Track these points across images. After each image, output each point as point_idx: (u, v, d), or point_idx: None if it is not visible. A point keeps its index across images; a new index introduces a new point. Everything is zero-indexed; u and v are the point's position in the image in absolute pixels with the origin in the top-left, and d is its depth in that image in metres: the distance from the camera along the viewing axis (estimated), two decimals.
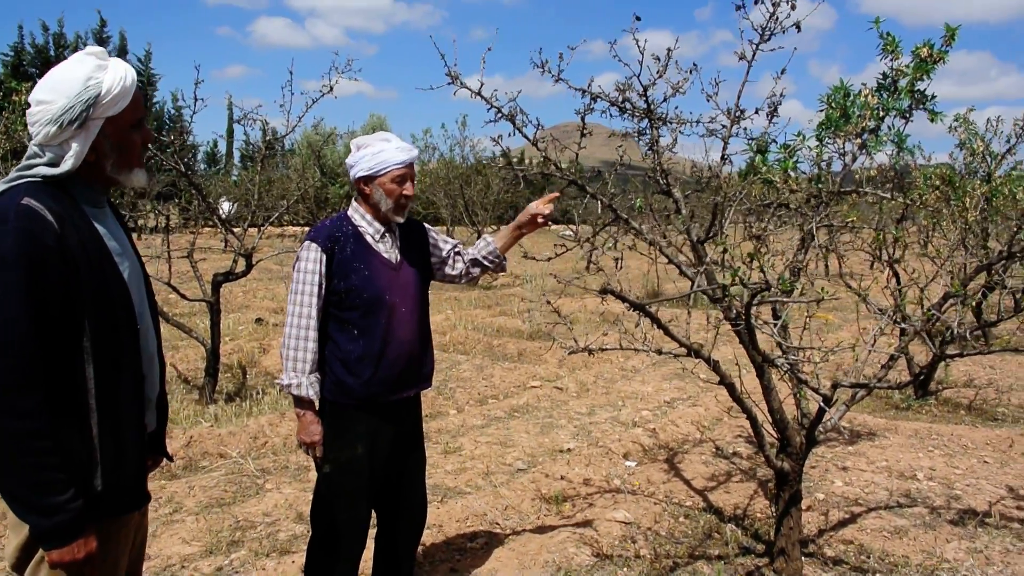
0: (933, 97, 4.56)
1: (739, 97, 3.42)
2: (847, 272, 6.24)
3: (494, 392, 7.32)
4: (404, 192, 2.86)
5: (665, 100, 3.68)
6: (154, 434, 2.19)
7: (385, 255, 2.88)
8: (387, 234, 2.92)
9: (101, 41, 32.54)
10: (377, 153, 2.82)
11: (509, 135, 3.21)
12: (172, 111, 35.01)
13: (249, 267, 6.29)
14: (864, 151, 4.29)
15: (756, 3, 3.20)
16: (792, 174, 4.20)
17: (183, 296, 6.50)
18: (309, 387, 2.77)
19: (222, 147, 41.93)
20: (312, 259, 2.75)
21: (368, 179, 2.83)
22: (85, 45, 31.77)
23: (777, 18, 3.25)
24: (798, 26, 3.24)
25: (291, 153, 30.26)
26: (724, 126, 3.49)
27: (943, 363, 8.55)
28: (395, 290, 2.87)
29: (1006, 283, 5.42)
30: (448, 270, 3.17)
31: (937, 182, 7.15)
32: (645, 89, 3.59)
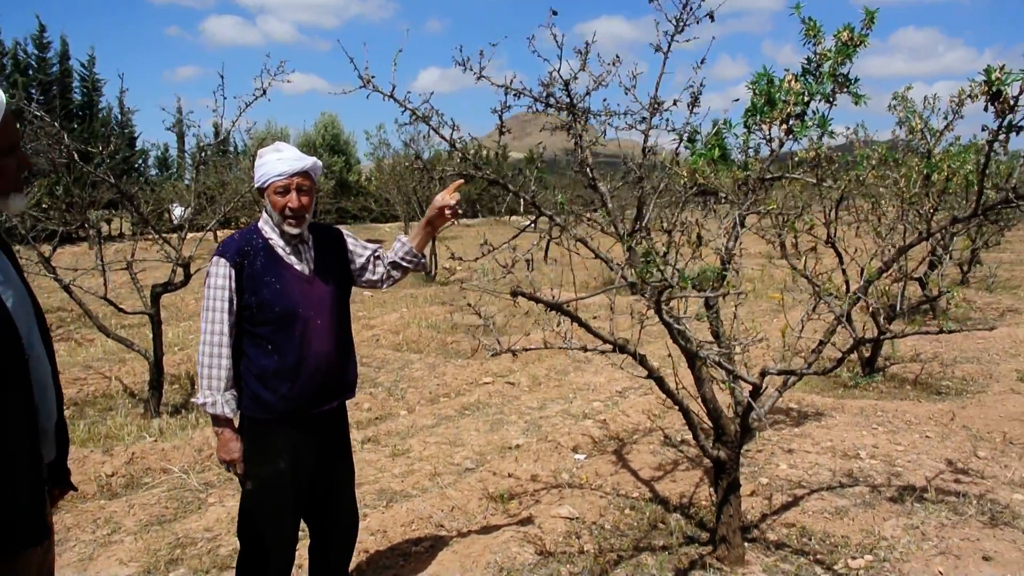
0: (856, 80, 4.59)
1: (656, 88, 3.41)
2: (792, 253, 6.28)
3: (446, 390, 7.28)
4: (288, 204, 2.78)
5: (588, 94, 3.67)
6: (54, 464, 2.12)
7: (297, 267, 2.83)
8: (299, 245, 2.86)
9: (41, 46, 31.75)
10: (262, 165, 2.80)
11: (424, 136, 3.17)
12: (119, 116, 34.33)
13: (187, 277, 6.17)
14: (790, 136, 4.31)
15: None
16: (717, 162, 4.21)
17: (120, 309, 6.35)
18: (225, 404, 2.72)
19: (174, 150, 41.23)
20: (221, 275, 2.69)
21: (260, 191, 2.81)
22: (24, 52, 30.79)
23: (691, 8, 3.24)
24: (711, 16, 3.23)
25: (243, 155, 29.89)
26: (644, 119, 3.48)
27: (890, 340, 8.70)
28: (309, 303, 2.82)
29: (950, 256, 5.48)
30: (369, 276, 3.12)
31: (874, 162, 7.24)
32: (566, 84, 3.57)
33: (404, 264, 3.15)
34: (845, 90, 4.54)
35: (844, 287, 7.32)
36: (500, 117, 3.30)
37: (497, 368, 7.95)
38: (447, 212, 3.06)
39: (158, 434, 5.93)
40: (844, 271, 7.19)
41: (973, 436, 5.62)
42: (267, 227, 2.83)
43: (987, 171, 3.27)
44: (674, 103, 3.43)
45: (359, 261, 3.09)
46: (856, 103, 4.65)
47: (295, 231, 2.81)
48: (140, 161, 33.81)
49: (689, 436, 5.77)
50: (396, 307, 11.91)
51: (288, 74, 6.41)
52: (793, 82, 4.30)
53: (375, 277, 3.13)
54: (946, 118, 10.81)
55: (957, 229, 9.07)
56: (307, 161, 2.84)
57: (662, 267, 2.54)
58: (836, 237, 7.17)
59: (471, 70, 3.49)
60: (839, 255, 7.19)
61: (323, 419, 2.94)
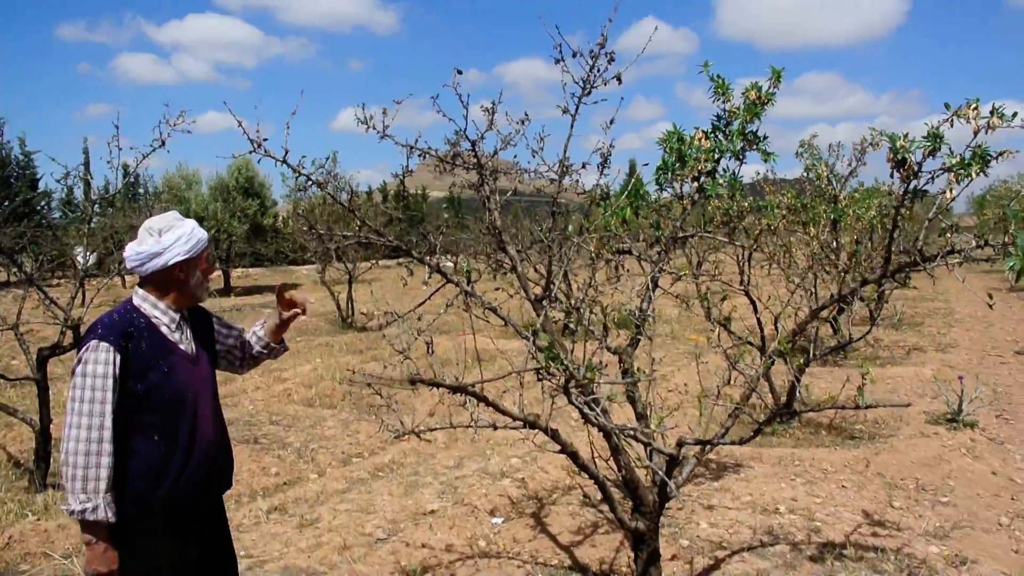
0: (765, 138, 4.61)
1: (565, 151, 3.31)
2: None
3: (359, 449, 6.99)
4: (212, 269, 2.73)
5: (495, 153, 3.55)
6: None
7: (183, 347, 2.60)
8: (182, 323, 2.64)
9: None
10: (191, 233, 2.58)
11: (328, 195, 2.99)
12: (20, 156, 32.83)
13: (76, 340, 5.75)
14: (702, 194, 4.27)
15: (574, 56, 3.10)
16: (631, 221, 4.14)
17: (2, 377, 5.87)
18: (107, 508, 2.40)
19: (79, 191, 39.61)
20: (103, 361, 2.39)
21: (187, 262, 2.58)
22: None
23: (598, 70, 3.16)
24: (619, 78, 3.16)
25: (156, 197, 28.90)
26: (552, 181, 3.38)
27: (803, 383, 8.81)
28: (196, 384, 2.59)
29: (860, 299, 5.57)
30: (232, 359, 2.95)
31: (784, 211, 7.34)
32: (473, 143, 3.44)
33: (264, 355, 3.00)
34: (754, 147, 4.54)
35: (758, 334, 7.38)
36: (402, 181, 3.15)
37: (415, 422, 7.69)
38: (298, 316, 2.94)
39: (42, 511, 5.46)
40: (759, 320, 7.24)
41: (888, 484, 5.65)
42: (147, 305, 2.57)
43: (895, 235, 3.26)
44: (583, 166, 3.33)
45: (225, 343, 2.90)
46: (765, 160, 4.65)
47: (205, 297, 2.70)
48: (43, 204, 32.32)
49: (611, 486, 5.64)
50: (310, 357, 11.52)
51: (189, 121, 6.13)
52: (703, 139, 4.28)
53: (235, 364, 2.97)
54: (850, 165, 11.17)
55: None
56: None
57: (565, 360, 2.40)
58: (749, 284, 7.24)
59: (375, 129, 3.34)
60: (752, 302, 7.25)
61: (207, 512, 2.68)
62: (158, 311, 2.58)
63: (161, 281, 2.58)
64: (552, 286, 3.44)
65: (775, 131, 4.75)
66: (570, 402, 2.64)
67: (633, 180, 4.16)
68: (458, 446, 7.07)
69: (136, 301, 2.59)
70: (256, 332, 2.98)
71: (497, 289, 3.52)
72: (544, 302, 3.43)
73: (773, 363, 3.63)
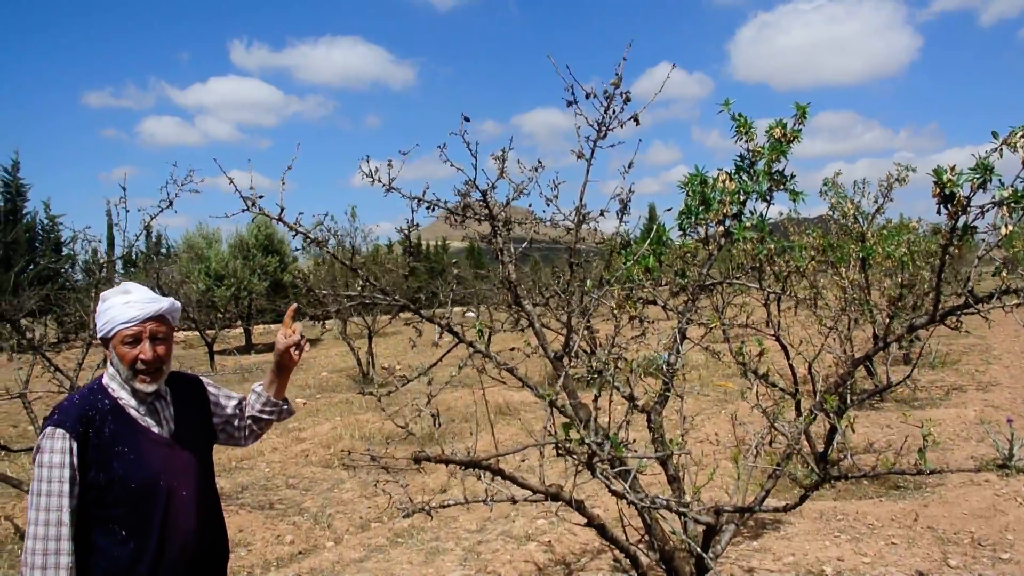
0: (792, 177, 4.39)
1: (580, 198, 3.11)
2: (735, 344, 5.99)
3: (377, 513, 6.70)
4: (140, 355, 2.31)
5: (508, 203, 3.35)
6: None
7: (156, 430, 2.34)
8: (156, 402, 2.39)
9: None
10: (106, 311, 2.33)
11: (326, 257, 2.80)
12: (44, 220, 33.32)
13: None
14: (727, 238, 4.04)
15: (587, 98, 2.92)
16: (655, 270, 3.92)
17: (4, 448, 5.68)
18: None
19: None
20: (59, 449, 2.16)
21: (105, 342, 2.35)
22: None
23: (613, 112, 2.97)
24: (636, 119, 2.96)
25: (171, 259, 29.10)
26: (569, 230, 3.17)
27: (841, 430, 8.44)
28: (171, 472, 2.32)
29: (899, 342, 5.28)
30: (233, 432, 2.67)
31: (812, 252, 7.07)
32: (484, 194, 3.25)
33: (265, 417, 2.69)
34: (782, 187, 4.32)
35: (791, 380, 7.06)
36: (407, 235, 2.95)
37: (434, 484, 7.41)
38: (293, 353, 2.65)
39: None
40: (791, 365, 6.93)
41: (940, 539, 5.28)
42: (114, 384, 2.33)
43: (943, 275, 3.01)
44: (601, 213, 3.12)
45: (224, 414, 2.63)
46: (794, 200, 4.42)
47: (149, 388, 2.32)
48: (67, 266, 32.68)
49: (641, 556, 5.31)
50: (330, 415, 11.29)
51: (198, 181, 6.02)
52: (728, 181, 4.07)
53: (239, 434, 2.69)
54: (876, 201, 10.88)
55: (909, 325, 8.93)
56: (162, 303, 2.38)
57: (587, 437, 2.16)
58: (779, 328, 6.95)
59: (379, 182, 3.16)
60: (784, 347, 6.94)
61: None
62: (124, 391, 2.33)
63: (114, 357, 2.36)
64: (572, 342, 3.21)
65: (792, 170, 4.52)
66: (594, 476, 2.38)
67: (656, 226, 3.95)
68: (480, 507, 6.76)
69: (105, 380, 2.36)
70: (255, 389, 2.72)
71: (513, 349, 3.29)
72: (564, 359, 3.19)
73: (815, 419, 3.36)
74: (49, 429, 2.18)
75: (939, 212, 2.72)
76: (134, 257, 6.18)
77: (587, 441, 2.14)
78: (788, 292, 6.40)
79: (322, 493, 7.28)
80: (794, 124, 4.29)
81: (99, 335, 2.33)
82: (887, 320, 4.42)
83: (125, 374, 2.31)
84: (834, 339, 8.22)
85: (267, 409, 2.69)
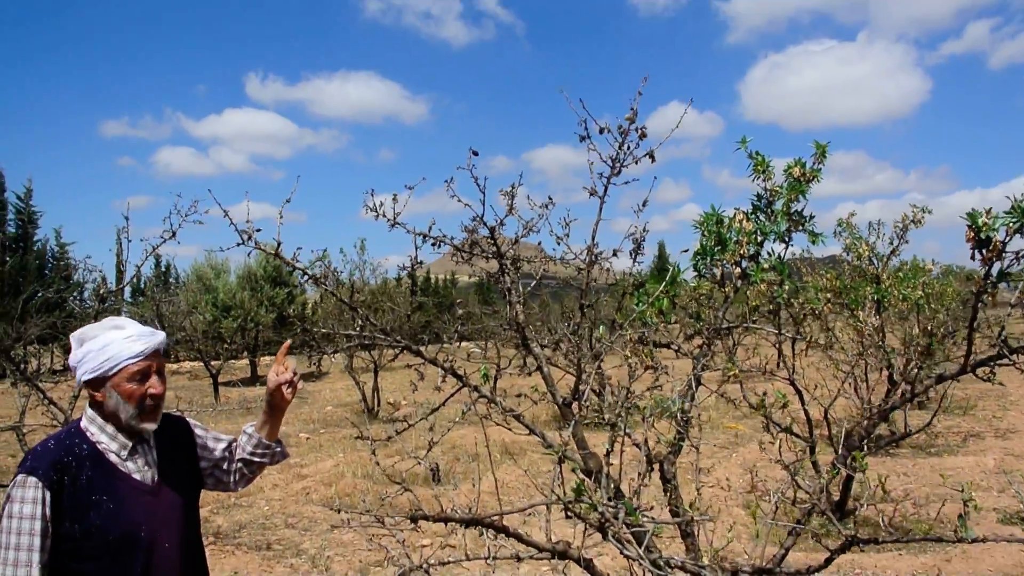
0: (811, 217, 4.25)
1: (593, 236, 2.97)
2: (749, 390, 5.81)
3: (378, 558, 6.49)
4: (150, 391, 2.18)
5: (516, 241, 3.22)
6: None
7: (138, 476, 2.17)
8: (138, 446, 2.23)
9: None
10: (104, 348, 2.15)
11: (322, 294, 2.66)
12: (55, 248, 33.44)
13: None
14: (744, 280, 3.90)
15: (601, 132, 2.79)
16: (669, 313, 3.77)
17: None
18: None
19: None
20: (29, 499, 1.99)
21: (98, 382, 2.16)
22: None
23: (628, 148, 2.84)
24: (652, 155, 2.83)
25: (182, 287, 29.10)
26: (580, 269, 3.03)
27: (857, 475, 8.20)
28: (154, 521, 2.16)
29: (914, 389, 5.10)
30: (221, 476, 2.49)
31: (828, 295, 6.90)
32: (492, 231, 3.11)
33: (256, 460, 2.52)
34: (800, 228, 4.18)
35: (807, 427, 6.85)
36: (411, 274, 2.81)
37: (439, 528, 7.19)
38: (286, 391, 2.50)
39: None
40: (806, 411, 6.73)
41: None
42: (93, 427, 2.17)
43: (976, 324, 2.84)
44: (614, 253, 2.98)
45: (212, 457, 2.46)
46: (813, 242, 4.28)
47: (153, 427, 2.19)
48: (75, 295, 32.76)
49: None
50: (333, 452, 11.08)
51: (202, 213, 5.92)
52: (745, 221, 3.93)
53: (228, 478, 2.50)
54: (892, 243, 10.72)
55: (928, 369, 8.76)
56: (161, 336, 2.25)
57: (598, 502, 1.99)
58: (793, 372, 6.76)
59: (384, 216, 3.04)
60: (798, 392, 6.75)
61: None
62: (105, 436, 2.16)
63: (92, 401, 2.19)
64: (582, 389, 3.05)
65: (811, 211, 4.38)
66: (605, 539, 2.21)
67: (671, 268, 3.81)
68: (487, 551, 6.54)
69: (83, 423, 2.19)
70: (246, 431, 2.55)
71: (519, 396, 3.13)
72: (574, 405, 3.03)
73: (838, 473, 3.18)
74: (20, 477, 2.02)
75: (973, 257, 2.56)
76: (142, 286, 6.06)
77: (600, 508, 1.97)
78: (807, 336, 6.22)
79: (322, 534, 7.07)
80: (813, 163, 4.17)
81: (93, 375, 2.13)
82: (904, 365, 4.25)
83: (131, 414, 2.15)
84: (849, 384, 8.01)
85: (259, 451, 2.53)
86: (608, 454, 2.43)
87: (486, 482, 8.57)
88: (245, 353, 24.82)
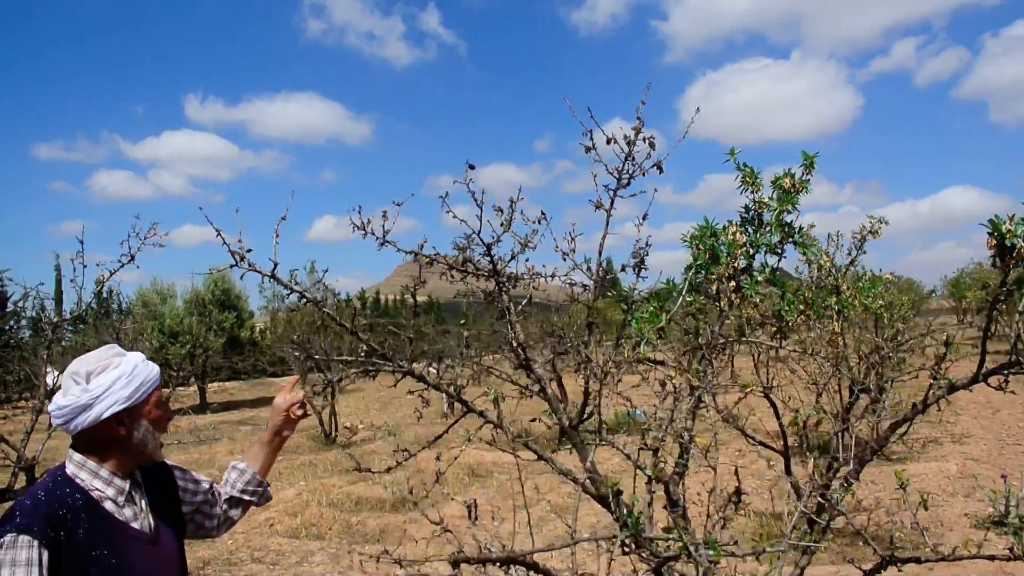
0: (800, 229, 4.23)
1: (600, 251, 2.86)
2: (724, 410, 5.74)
3: None
4: (168, 414, 2.06)
5: (513, 257, 3.09)
6: None
7: (136, 524, 1.96)
8: (133, 490, 2.01)
9: None
10: (134, 373, 1.96)
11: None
12: None
13: (31, 481, 5.09)
14: (738, 294, 3.83)
15: (609, 143, 2.69)
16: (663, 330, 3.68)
17: None
18: None
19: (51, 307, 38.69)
20: (23, 561, 1.73)
21: (129, 413, 1.95)
22: None
23: (634, 158, 2.74)
24: (660, 167, 2.74)
25: (126, 314, 28.20)
26: (586, 287, 2.91)
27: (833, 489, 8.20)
28: (156, 572, 1.95)
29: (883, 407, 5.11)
30: (202, 520, 2.27)
31: (802, 306, 6.91)
32: (488, 247, 2.98)
33: (245, 498, 2.33)
34: (791, 239, 4.15)
35: (780, 438, 6.83)
36: (413, 296, 2.66)
37: (412, 554, 6.96)
38: (297, 412, 2.34)
39: None
40: (781, 425, 6.71)
41: None
42: (83, 473, 1.93)
43: (990, 333, 2.80)
44: (623, 268, 2.87)
45: (193, 501, 2.24)
46: (803, 253, 4.26)
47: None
48: (12, 323, 31.48)
49: None
50: (293, 479, 10.75)
51: (162, 235, 5.66)
52: (738, 233, 3.87)
53: (211, 523, 2.29)
54: (850, 253, 10.89)
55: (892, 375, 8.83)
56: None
57: (687, 541, 1.85)
58: (770, 386, 6.74)
59: (372, 234, 2.88)
60: (774, 405, 6.73)
61: None
62: (99, 481, 1.93)
63: (98, 441, 1.94)
64: (588, 407, 2.93)
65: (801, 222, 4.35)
66: (659, 574, 2.07)
67: (668, 284, 3.73)
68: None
69: (70, 470, 1.94)
70: (236, 466, 2.36)
71: (534, 420, 2.99)
72: (579, 428, 2.91)
73: (851, 487, 3.11)
74: (9, 537, 1.74)
75: (994, 264, 2.52)
76: (83, 314, 5.78)
77: (685, 542, 1.83)
78: (806, 350, 6.21)
79: (291, 567, 6.79)
80: (802, 174, 4.14)
81: (126, 404, 1.92)
82: (864, 374, 4.28)
83: (153, 444, 2.00)
84: (815, 393, 8.07)
85: (250, 489, 2.33)
86: (651, 480, 2.30)
87: (451, 507, 8.38)
88: (193, 380, 24.12)
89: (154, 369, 2.01)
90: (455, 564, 1.89)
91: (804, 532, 3.58)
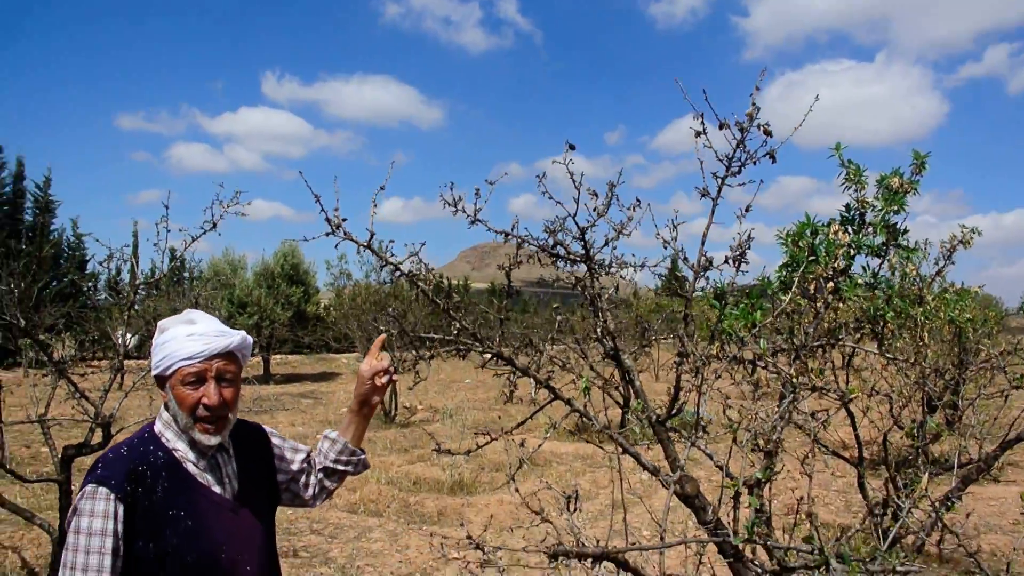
0: (906, 231, 4.02)
1: (703, 243, 2.73)
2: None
3: (410, 568, 6.24)
4: (203, 400, 1.92)
5: (607, 243, 2.98)
6: None
7: (216, 490, 1.93)
8: (219, 455, 1.98)
9: None
10: (164, 344, 1.94)
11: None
12: (71, 237, 33.37)
13: (107, 438, 5.20)
14: (836, 296, 3.65)
15: (721, 128, 2.56)
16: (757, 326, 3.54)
17: (19, 478, 5.28)
18: None
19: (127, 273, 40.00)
20: (100, 514, 1.73)
21: (160, 381, 1.95)
22: None
23: (745, 145, 2.60)
24: (772, 156, 2.60)
25: (200, 281, 28.96)
26: (687, 279, 2.79)
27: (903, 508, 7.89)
28: (235, 542, 1.91)
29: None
30: (299, 490, 2.24)
31: (891, 313, 6.64)
32: (583, 231, 2.88)
33: (340, 468, 2.27)
34: (895, 243, 3.94)
35: (856, 451, 6.58)
36: (508, 275, 2.58)
37: (490, 540, 6.94)
38: (382, 380, 2.26)
39: None
40: (857, 436, 6.46)
41: None
42: (169, 432, 1.92)
43: None
44: (726, 261, 2.74)
45: (290, 470, 2.20)
46: (907, 258, 4.05)
47: (212, 440, 1.92)
48: (89, 285, 32.61)
49: None
50: None
51: (244, 204, 5.71)
52: (840, 233, 3.69)
53: (307, 494, 2.25)
54: (937, 264, 10.45)
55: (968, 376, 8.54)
56: (232, 338, 1.99)
57: (824, 549, 1.74)
58: (848, 396, 6.49)
59: (464, 212, 2.81)
60: (851, 416, 6.49)
61: None
62: (182, 442, 1.92)
63: (171, 399, 1.95)
64: (677, 402, 2.82)
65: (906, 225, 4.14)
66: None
67: (762, 281, 3.58)
68: (523, 569, 6.28)
69: (158, 427, 1.94)
70: (328, 436, 2.31)
71: (626, 411, 2.88)
72: (668, 423, 2.80)
73: (953, 506, 2.94)
74: (90, 487, 1.76)
75: None
76: (159, 279, 5.84)
77: (827, 554, 1.72)
78: (908, 359, 5.97)
79: (349, 542, 6.82)
80: (912, 174, 3.93)
81: (154, 372, 1.93)
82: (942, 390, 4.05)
83: (184, 422, 1.91)
84: (889, 405, 7.76)
85: (343, 459, 2.28)
86: (760, 484, 2.18)
87: (508, 494, 8.32)
88: (259, 351, 24.61)
89: (192, 346, 1.92)
90: (554, 556, 1.80)
91: (899, 551, 3.40)
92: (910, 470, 6.41)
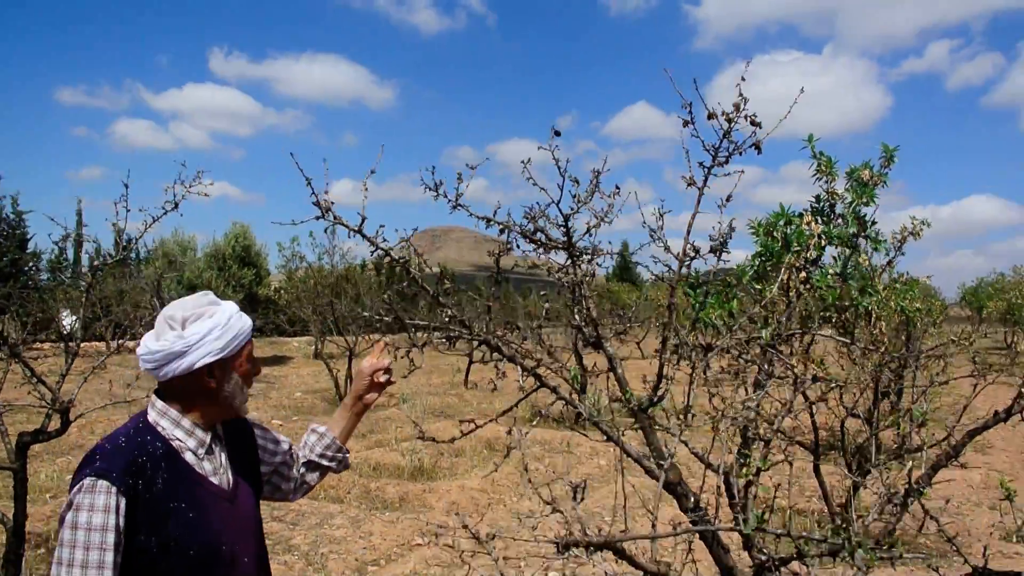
0: (874, 223, 4.11)
1: (688, 232, 2.75)
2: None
3: (374, 555, 6.22)
4: (257, 368, 2.01)
5: (588, 231, 2.99)
6: None
7: (214, 479, 1.90)
8: (215, 445, 1.95)
9: None
10: (229, 323, 1.88)
11: (404, 284, 2.41)
12: (11, 215, 32.26)
13: (65, 424, 5.06)
14: (806, 285, 3.72)
15: (710, 119, 2.58)
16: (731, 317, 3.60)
17: None
18: None
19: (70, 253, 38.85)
20: (101, 508, 1.67)
21: (222, 365, 1.88)
22: None
23: (731, 136, 2.63)
24: (758, 146, 2.63)
25: (146, 262, 28.28)
26: (669, 268, 2.81)
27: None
28: (233, 531, 1.88)
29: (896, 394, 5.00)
30: (280, 483, 2.21)
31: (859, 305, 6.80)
32: (566, 218, 2.88)
33: (324, 463, 2.26)
34: (864, 234, 4.03)
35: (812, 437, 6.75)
36: (496, 263, 2.57)
37: (434, 519, 6.94)
38: (381, 378, 2.27)
39: None
40: (814, 423, 6.62)
41: None
42: (165, 422, 1.87)
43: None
44: (711, 251, 2.77)
45: (272, 461, 2.18)
46: (876, 249, 4.14)
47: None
48: (31, 265, 31.63)
49: None
50: None
51: (206, 185, 5.58)
52: (812, 223, 3.76)
53: (287, 486, 2.23)
54: (887, 254, 10.72)
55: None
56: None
57: (852, 537, 1.77)
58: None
59: (444, 197, 2.78)
60: (808, 400, 6.64)
61: None
62: (180, 431, 1.87)
63: (185, 390, 1.88)
64: (660, 388, 2.84)
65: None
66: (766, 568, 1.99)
67: (737, 269, 3.63)
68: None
69: (152, 417, 1.88)
70: (316, 429, 2.30)
71: (615, 400, 2.90)
72: (649, 411, 2.82)
73: (922, 494, 3.02)
74: (88, 480, 1.70)
75: None
76: (124, 258, 5.69)
77: (856, 543, 1.75)
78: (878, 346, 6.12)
79: (312, 528, 6.77)
80: (881, 167, 4.02)
81: (221, 355, 1.85)
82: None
83: (241, 399, 1.94)
84: (847, 397, 7.97)
85: (328, 454, 2.27)
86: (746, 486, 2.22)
87: (472, 479, 8.35)
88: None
89: (247, 322, 1.94)
90: (565, 547, 1.81)
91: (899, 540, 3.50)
92: (872, 459, 6.58)
